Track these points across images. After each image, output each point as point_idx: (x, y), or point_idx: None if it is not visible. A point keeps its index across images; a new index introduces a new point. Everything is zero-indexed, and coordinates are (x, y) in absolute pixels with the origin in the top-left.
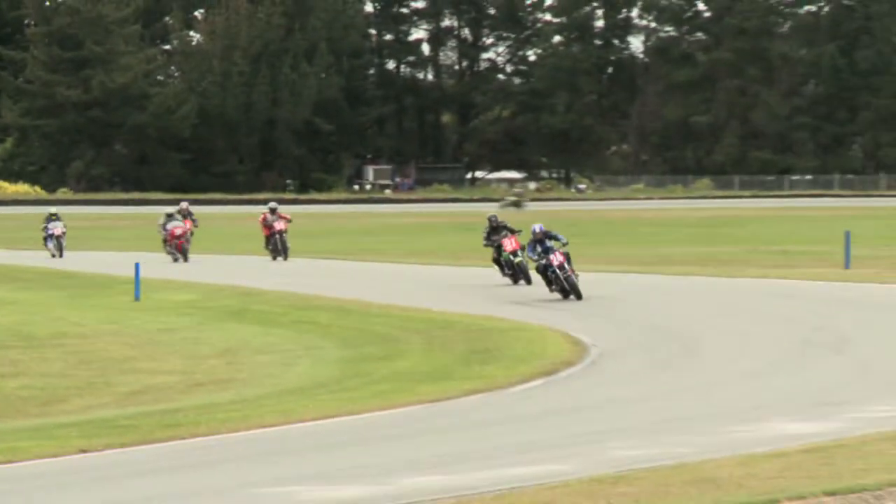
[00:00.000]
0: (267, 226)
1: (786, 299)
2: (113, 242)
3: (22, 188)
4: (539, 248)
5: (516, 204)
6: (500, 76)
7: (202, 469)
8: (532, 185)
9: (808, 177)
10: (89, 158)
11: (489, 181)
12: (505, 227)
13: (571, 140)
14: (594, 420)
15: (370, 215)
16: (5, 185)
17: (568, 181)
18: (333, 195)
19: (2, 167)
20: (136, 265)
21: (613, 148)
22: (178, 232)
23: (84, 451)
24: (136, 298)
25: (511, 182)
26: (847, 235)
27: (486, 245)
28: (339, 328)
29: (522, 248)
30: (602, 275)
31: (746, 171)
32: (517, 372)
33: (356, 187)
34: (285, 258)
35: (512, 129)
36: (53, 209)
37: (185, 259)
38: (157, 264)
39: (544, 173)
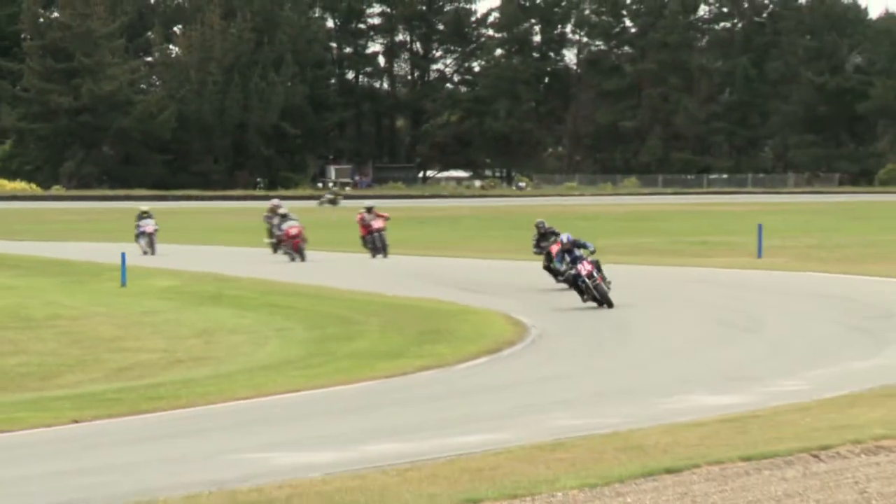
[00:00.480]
0: (364, 225)
1: (705, 285)
2: (101, 234)
3: (19, 185)
4: (567, 258)
5: (332, 202)
6: (448, 85)
7: (183, 437)
8: (477, 183)
9: (724, 175)
10: (80, 159)
11: (439, 179)
12: (553, 233)
13: (512, 142)
14: (534, 393)
15: (333, 209)
16: (4, 182)
17: (509, 179)
18: (299, 192)
19: (1, 166)
20: (123, 255)
21: (550, 150)
22: (294, 231)
23: (76, 422)
24: (123, 284)
25: (458, 180)
26: (759, 228)
27: (536, 253)
28: (305, 311)
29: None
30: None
31: (669, 171)
32: (464, 350)
33: (319, 185)
34: (385, 255)
35: (459, 133)
36: (145, 206)
37: (303, 258)
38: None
39: (488, 172)
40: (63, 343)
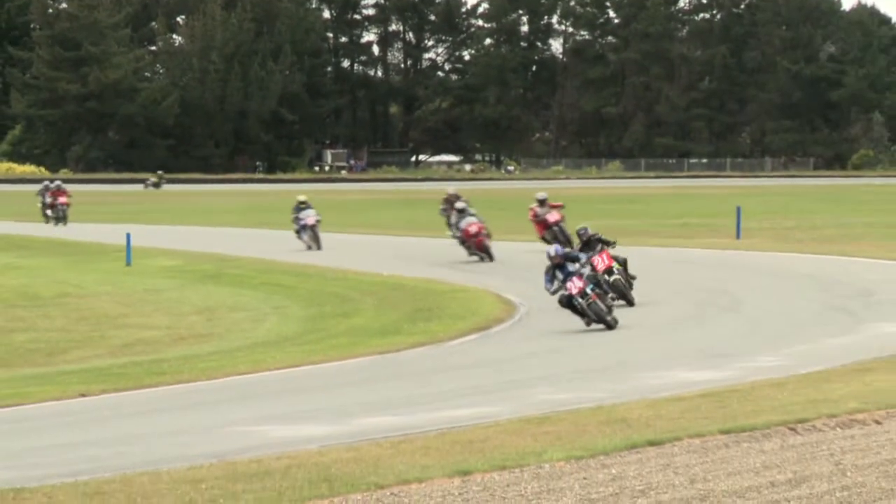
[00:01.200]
0: (539, 221)
1: (685, 265)
2: (107, 215)
3: (29, 168)
4: (560, 275)
5: (156, 185)
6: (440, 73)
7: (185, 410)
8: (468, 167)
9: (704, 160)
10: (87, 143)
11: (430, 164)
12: (599, 241)
13: (501, 128)
14: (522, 369)
15: (328, 192)
16: (14, 165)
17: (498, 163)
18: (297, 175)
19: (11, 151)
20: (128, 235)
21: (537, 135)
22: (474, 230)
23: (83, 396)
24: (128, 264)
25: (449, 164)
26: (738, 210)
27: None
28: (302, 290)
29: (609, 270)
30: (528, 244)
31: (651, 155)
32: (455, 328)
33: (316, 169)
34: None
35: (450, 119)
36: (303, 196)
37: (491, 258)
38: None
39: (478, 157)
40: (70, 320)
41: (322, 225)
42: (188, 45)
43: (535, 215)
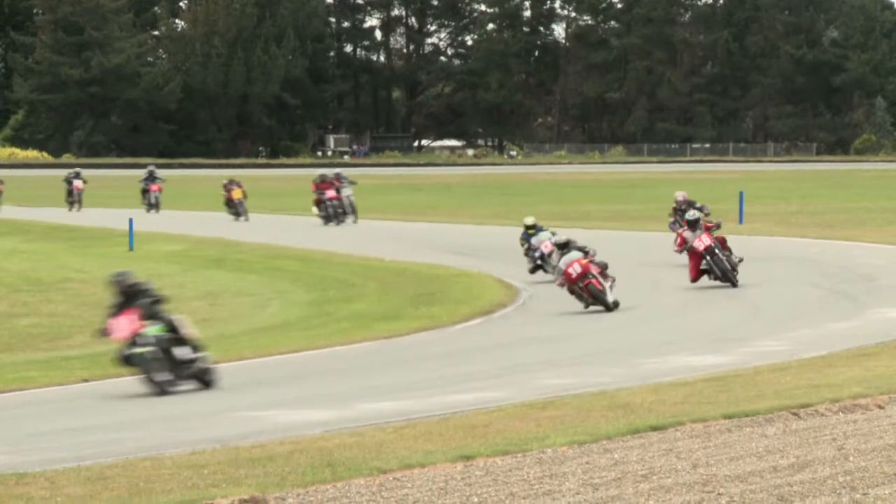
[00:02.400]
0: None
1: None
2: (110, 200)
3: (32, 153)
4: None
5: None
6: (442, 58)
7: (188, 395)
8: (470, 152)
9: (707, 145)
10: (89, 128)
11: (433, 148)
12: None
13: (503, 113)
14: (525, 354)
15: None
16: (18, 150)
17: (501, 148)
18: (299, 160)
19: (14, 136)
20: (130, 220)
21: (540, 120)
22: (575, 271)
23: (86, 381)
24: (130, 248)
25: (452, 149)
26: (741, 195)
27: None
28: (305, 275)
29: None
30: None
31: (654, 140)
32: (458, 312)
33: (319, 153)
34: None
35: (452, 104)
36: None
37: (608, 306)
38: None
39: (480, 141)
40: (73, 305)
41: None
42: (191, 29)
43: (676, 215)
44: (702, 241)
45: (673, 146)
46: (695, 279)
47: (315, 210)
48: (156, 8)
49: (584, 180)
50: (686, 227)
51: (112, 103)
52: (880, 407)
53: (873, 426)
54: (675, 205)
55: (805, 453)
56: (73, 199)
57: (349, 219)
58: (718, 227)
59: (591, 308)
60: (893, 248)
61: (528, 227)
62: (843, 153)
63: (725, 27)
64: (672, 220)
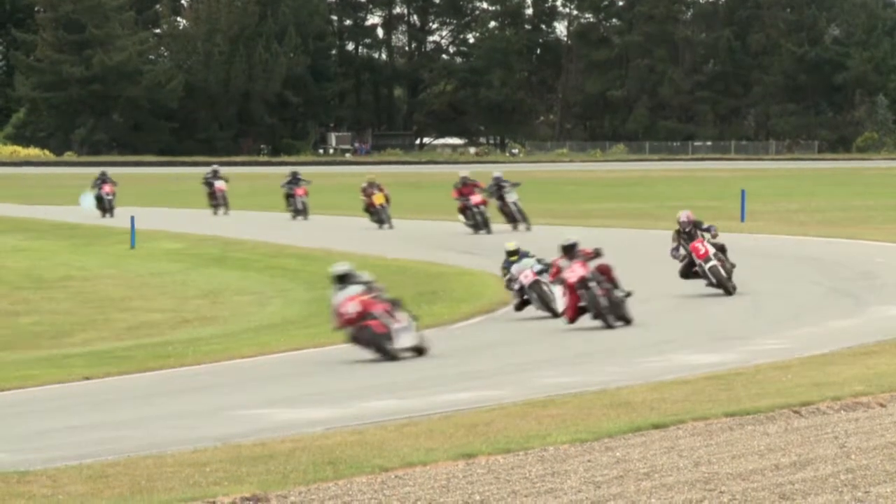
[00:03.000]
0: None
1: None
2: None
3: (33, 152)
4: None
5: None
6: (444, 56)
7: (189, 394)
8: (472, 150)
9: (709, 143)
10: (91, 126)
11: (435, 146)
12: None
13: (505, 111)
14: (526, 352)
15: (332, 175)
16: (19, 148)
17: (503, 146)
18: (301, 158)
19: (16, 133)
20: (132, 218)
21: (541, 118)
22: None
23: (88, 378)
24: (132, 246)
25: (453, 147)
26: (742, 193)
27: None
28: (306, 273)
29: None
30: (533, 227)
31: (655, 138)
32: (460, 311)
33: (321, 151)
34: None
35: (454, 102)
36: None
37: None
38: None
39: (482, 139)
40: (75, 303)
41: (327, 208)
42: (192, 27)
43: None
44: (574, 272)
45: (675, 144)
46: (572, 319)
47: (461, 218)
48: (157, 6)
49: (585, 178)
50: (563, 255)
51: (113, 101)
52: (882, 405)
53: (875, 424)
54: (678, 227)
55: (807, 451)
56: (216, 202)
57: (521, 226)
58: (598, 255)
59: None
60: (895, 246)
61: (509, 254)
62: (844, 151)
63: (727, 25)
64: (674, 245)
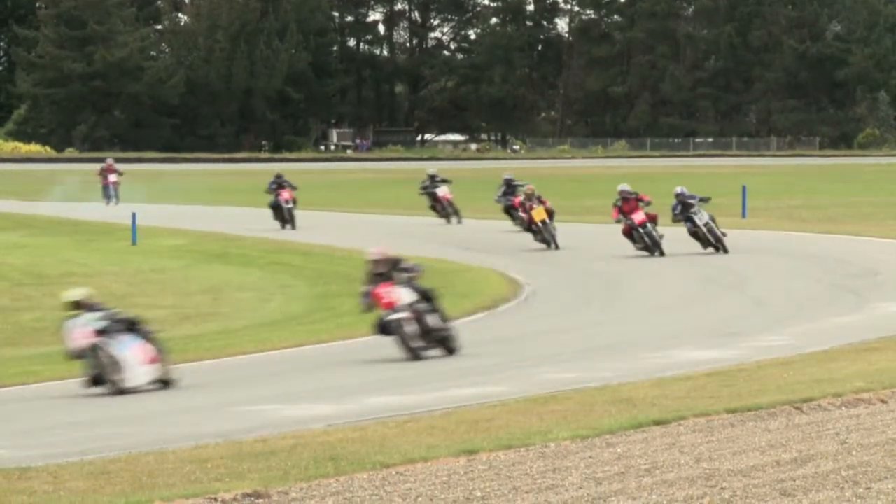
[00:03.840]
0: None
1: (691, 244)
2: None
3: (34, 148)
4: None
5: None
6: (446, 52)
7: (190, 390)
8: (473, 146)
9: (710, 139)
10: (92, 122)
11: (436, 143)
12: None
13: (507, 107)
14: (528, 348)
15: (334, 171)
16: (20, 145)
17: (504, 143)
18: (302, 154)
19: (17, 130)
20: (133, 214)
21: (543, 114)
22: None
23: None
24: (133, 243)
25: (455, 143)
26: (744, 189)
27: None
28: (308, 269)
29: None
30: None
31: (657, 135)
32: (461, 307)
33: (322, 148)
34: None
35: (456, 98)
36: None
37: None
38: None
39: (483, 136)
40: None
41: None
42: (194, 23)
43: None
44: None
45: (676, 140)
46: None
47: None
48: (158, 2)
49: (586, 175)
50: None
51: (115, 98)
52: (883, 401)
53: (876, 421)
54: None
55: (808, 448)
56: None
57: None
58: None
59: (594, 304)
60: None
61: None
62: (846, 148)
63: (728, 21)
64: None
